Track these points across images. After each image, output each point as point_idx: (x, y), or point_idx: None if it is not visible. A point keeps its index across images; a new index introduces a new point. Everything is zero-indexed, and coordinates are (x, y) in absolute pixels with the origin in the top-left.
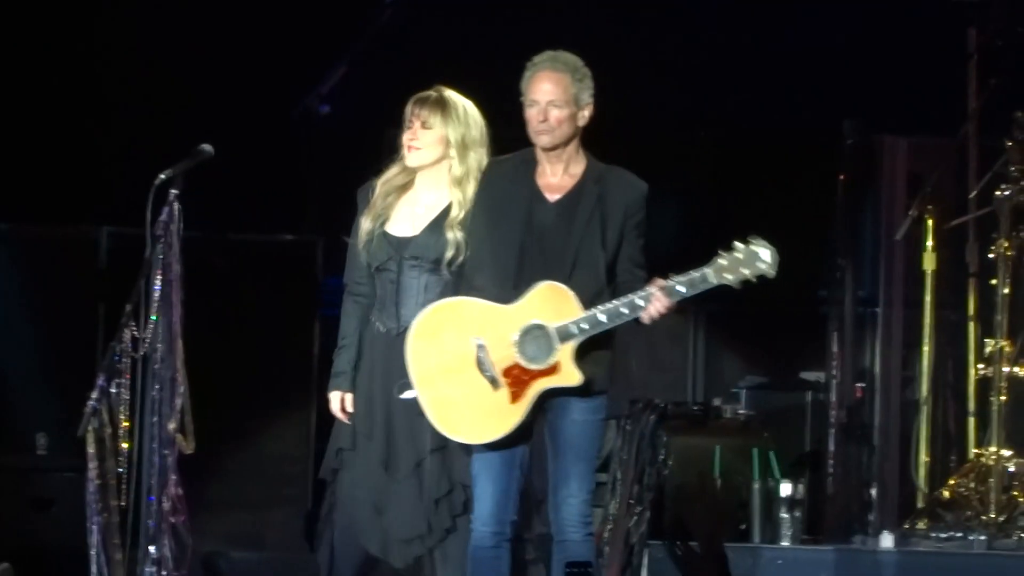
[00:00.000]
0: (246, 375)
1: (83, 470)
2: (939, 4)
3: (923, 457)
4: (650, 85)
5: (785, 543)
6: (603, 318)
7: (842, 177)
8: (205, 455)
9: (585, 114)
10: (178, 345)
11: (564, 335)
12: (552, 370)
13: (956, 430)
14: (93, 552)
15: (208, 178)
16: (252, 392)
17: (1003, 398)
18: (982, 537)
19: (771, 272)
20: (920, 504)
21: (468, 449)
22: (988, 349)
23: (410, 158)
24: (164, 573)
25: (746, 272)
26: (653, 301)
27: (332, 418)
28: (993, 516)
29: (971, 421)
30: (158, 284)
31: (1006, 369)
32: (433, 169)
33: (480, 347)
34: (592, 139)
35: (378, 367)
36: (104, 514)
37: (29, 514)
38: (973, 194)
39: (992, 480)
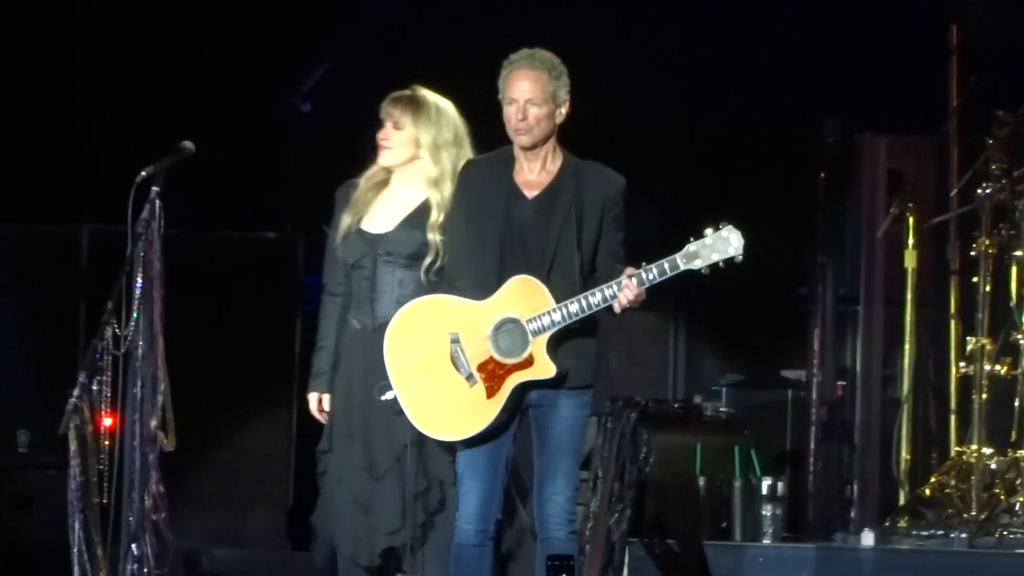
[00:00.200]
0: (227, 372)
1: (64, 468)
2: (920, 2)
3: (904, 455)
4: (631, 83)
5: (766, 541)
6: (574, 308)
7: (823, 175)
8: (186, 452)
9: (562, 111)
10: (159, 343)
11: (537, 328)
12: (527, 363)
13: (937, 428)
14: (75, 550)
15: (189, 176)
16: (233, 389)
17: (984, 396)
18: (963, 535)
19: (739, 256)
20: (901, 502)
21: (448, 446)
22: (969, 347)
23: (382, 157)
24: (145, 570)
25: (715, 257)
26: (624, 289)
27: (313, 417)
28: (974, 514)
29: (952, 419)
30: (139, 281)
31: (987, 367)
32: (407, 168)
33: (455, 343)
34: (572, 136)
35: (355, 365)
36: (86, 511)
37: (10, 512)
38: (954, 192)
39: (973, 478)
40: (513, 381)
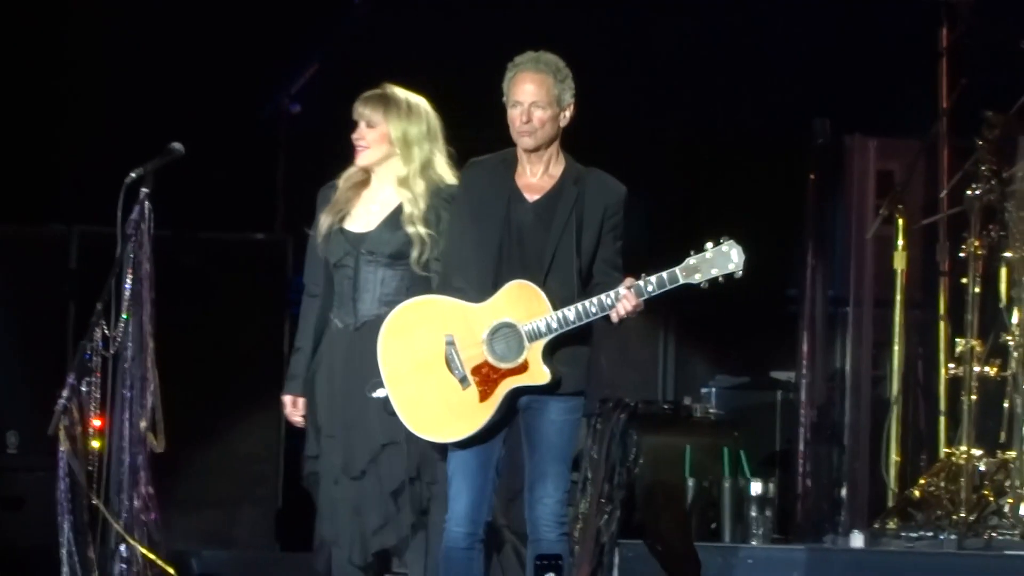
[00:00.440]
0: (216, 373)
1: (54, 469)
2: (910, 3)
3: (893, 456)
4: (620, 85)
5: (756, 542)
6: (572, 316)
7: (812, 176)
8: (175, 453)
9: (567, 115)
10: (149, 344)
11: (533, 334)
12: (521, 369)
13: (927, 429)
14: (64, 550)
15: (179, 177)
16: (222, 391)
17: (973, 397)
18: (952, 536)
19: (739, 272)
20: (890, 503)
21: (439, 447)
22: (958, 348)
23: (359, 158)
24: (135, 571)
25: (714, 272)
26: (622, 300)
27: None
28: (963, 515)
29: (942, 420)
30: (129, 283)
31: (976, 368)
32: (385, 166)
33: (450, 345)
34: (566, 141)
35: (337, 364)
36: (75, 512)
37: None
38: (943, 193)
39: (962, 479)
40: (507, 386)
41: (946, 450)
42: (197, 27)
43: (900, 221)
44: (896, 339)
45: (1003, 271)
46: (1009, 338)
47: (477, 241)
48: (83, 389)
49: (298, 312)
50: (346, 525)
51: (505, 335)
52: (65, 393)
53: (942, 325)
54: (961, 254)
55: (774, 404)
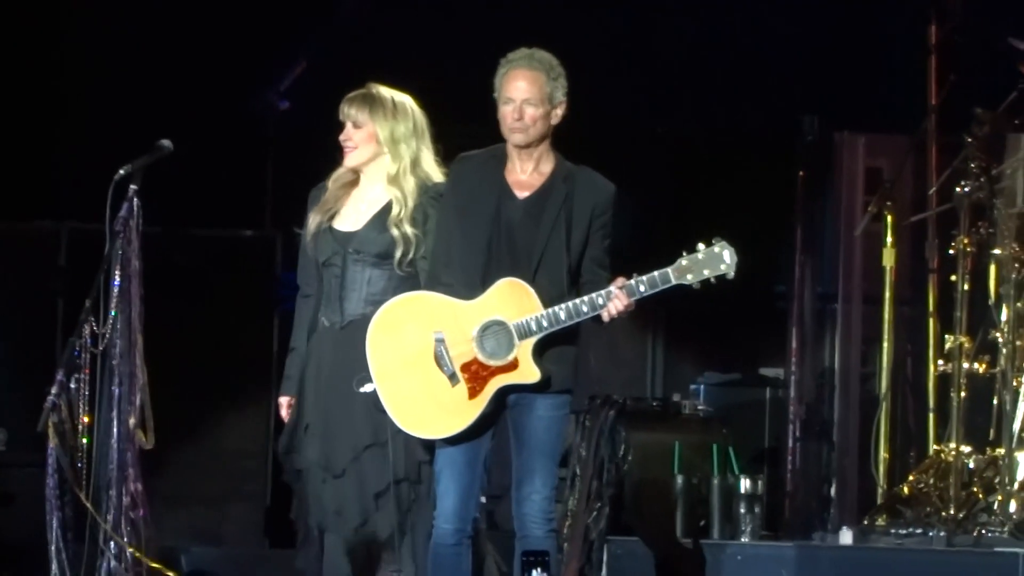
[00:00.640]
0: (205, 370)
1: (43, 465)
2: (899, 1)
3: (883, 453)
4: (610, 84)
5: (745, 539)
6: (563, 315)
7: (801, 173)
8: (164, 450)
9: (558, 112)
10: (138, 340)
11: (523, 332)
12: (511, 366)
13: (916, 426)
14: (53, 547)
15: (168, 174)
16: (211, 387)
17: (963, 394)
18: (941, 533)
19: (731, 273)
20: (879, 500)
21: (426, 444)
22: (948, 345)
23: (348, 159)
24: (123, 568)
25: (706, 273)
26: (613, 299)
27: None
28: (952, 512)
29: (931, 417)
30: (118, 279)
31: (965, 365)
32: (373, 165)
33: (439, 342)
34: (555, 138)
35: (324, 361)
36: (64, 509)
37: None
38: (932, 190)
39: (952, 476)
40: (496, 383)
41: (935, 447)
42: (187, 24)
43: (889, 218)
44: (885, 336)
45: (992, 268)
46: (998, 335)
47: (466, 237)
48: (72, 386)
49: (287, 309)
50: (331, 522)
51: (495, 333)
52: (54, 390)
53: (931, 322)
54: (950, 251)
55: (763, 401)
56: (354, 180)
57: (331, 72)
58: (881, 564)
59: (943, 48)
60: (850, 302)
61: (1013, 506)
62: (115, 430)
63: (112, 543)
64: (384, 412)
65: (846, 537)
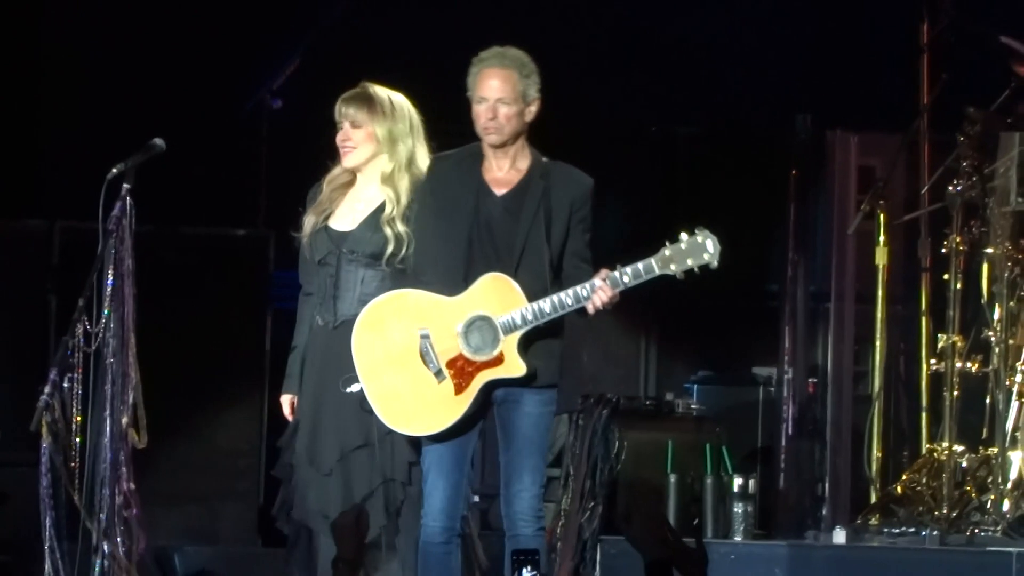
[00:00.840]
0: (198, 369)
1: (36, 464)
2: None
3: (875, 452)
4: (600, 80)
5: (737, 538)
6: (547, 308)
7: (794, 172)
8: (157, 449)
9: (532, 109)
10: (131, 339)
11: (508, 326)
12: (496, 361)
13: (908, 425)
14: (46, 546)
15: (161, 173)
16: (204, 386)
17: (955, 393)
18: (935, 532)
19: (714, 262)
20: (872, 499)
21: (414, 442)
22: (940, 344)
23: (346, 159)
24: (116, 567)
25: (690, 262)
26: (597, 291)
27: (284, 415)
28: (945, 511)
29: (923, 416)
30: (110, 278)
31: (958, 364)
32: (371, 165)
33: (425, 338)
34: (542, 134)
35: (316, 360)
36: (57, 508)
37: None
38: (925, 189)
39: (945, 475)
40: (482, 379)
41: (928, 446)
42: (179, 22)
43: (882, 217)
44: (878, 335)
45: (985, 267)
46: (991, 334)
47: (446, 235)
48: (65, 385)
49: (280, 308)
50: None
51: (480, 328)
52: (47, 389)
53: (924, 321)
54: (943, 250)
55: (756, 400)
56: (350, 181)
57: (324, 71)
58: (874, 563)
59: (935, 47)
60: (843, 301)
61: (1006, 505)
62: (108, 429)
63: (105, 542)
64: (372, 412)
65: (839, 536)
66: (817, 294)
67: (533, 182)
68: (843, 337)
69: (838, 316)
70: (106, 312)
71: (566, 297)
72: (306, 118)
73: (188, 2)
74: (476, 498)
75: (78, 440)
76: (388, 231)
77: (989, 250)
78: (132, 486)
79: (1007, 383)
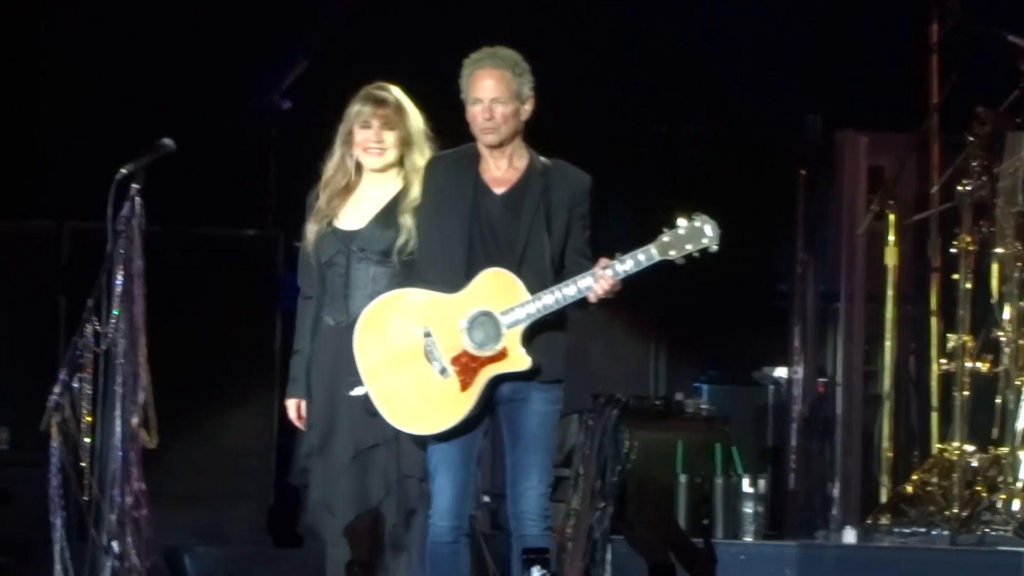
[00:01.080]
0: (208, 369)
1: (45, 464)
2: None
3: (886, 452)
4: (608, 81)
5: (748, 538)
6: (550, 301)
7: (803, 172)
8: (167, 449)
9: (527, 108)
10: (140, 339)
11: (511, 320)
12: (501, 356)
13: (919, 425)
14: (56, 546)
15: (170, 173)
16: (214, 386)
17: (965, 393)
18: (945, 532)
19: (713, 246)
20: (883, 499)
21: (420, 442)
22: (950, 344)
23: (373, 160)
24: (126, 567)
25: (689, 247)
26: (599, 281)
27: None
28: (956, 511)
29: (934, 416)
30: (120, 278)
31: (968, 364)
32: (389, 164)
33: (428, 336)
34: (549, 134)
35: (327, 361)
36: (67, 508)
37: None
38: (935, 189)
39: (955, 475)
40: (487, 374)
41: (938, 446)
42: (187, 22)
43: (891, 217)
44: (888, 335)
45: (994, 267)
46: (1000, 334)
47: (447, 235)
48: (75, 385)
49: (289, 308)
50: (328, 521)
51: (483, 323)
52: (57, 389)
53: (934, 321)
54: (952, 250)
55: (766, 400)
56: (347, 184)
57: (332, 72)
58: (884, 563)
59: (944, 46)
60: (852, 301)
61: (1017, 505)
62: (118, 429)
63: (115, 542)
64: (377, 415)
65: (849, 536)
66: (827, 294)
67: (532, 180)
68: (853, 337)
69: (848, 316)
70: (116, 312)
71: (568, 288)
72: (315, 119)
73: (197, 2)
74: (486, 498)
75: (88, 440)
76: (403, 220)
77: (998, 250)
78: (142, 486)
79: (1017, 383)
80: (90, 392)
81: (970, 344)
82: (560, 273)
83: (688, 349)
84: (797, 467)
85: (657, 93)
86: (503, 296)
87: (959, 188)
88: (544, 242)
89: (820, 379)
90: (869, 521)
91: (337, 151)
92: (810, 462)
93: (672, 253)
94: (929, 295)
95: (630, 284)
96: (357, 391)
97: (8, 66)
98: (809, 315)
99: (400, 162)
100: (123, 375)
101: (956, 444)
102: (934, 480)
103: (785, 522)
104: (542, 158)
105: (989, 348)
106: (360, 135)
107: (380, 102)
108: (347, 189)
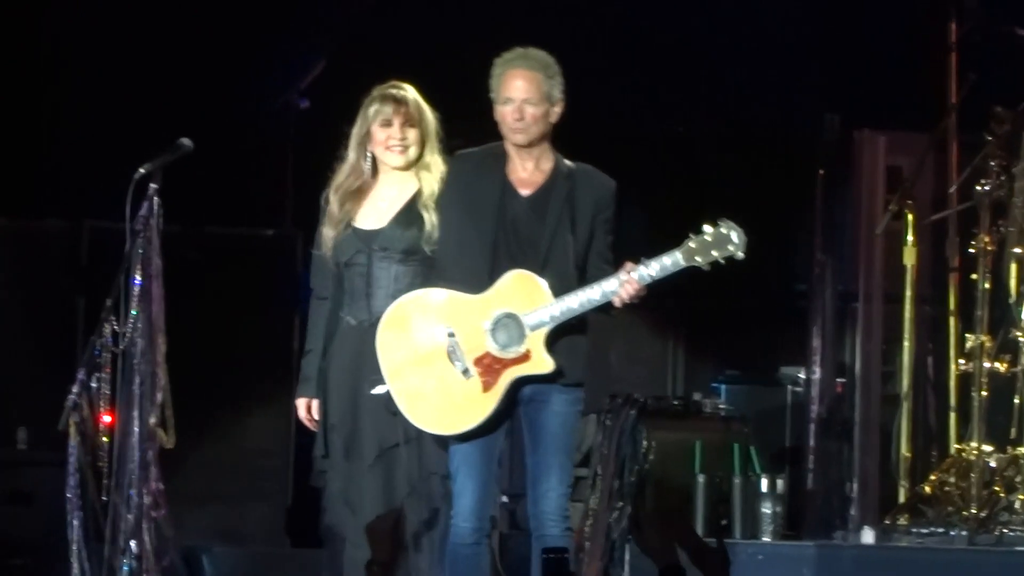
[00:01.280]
0: (226, 369)
1: (63, 464)
2: None
3: (904, 452)
4: (626, 81)
5: (766, 538)
6: (574, 304)
7: (821, 172)
8: (185, 449)
9: (556, 110)
10: (158, 339)
11: (535, 323)
12: (524, 358)
13: (937, 425)
14: (74, 546)
15: (188, 173)
16: (232, 386)
17: (984, 393)
18: (963, 532)
19: (739, 253)
20: (901, 499)
21: (443, 440)
22: (968, 344)
23: (396, 158)
24: (144, 567)
25: (715, 254)
26: (624, 286)
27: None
28: (974, 511)
29: (952, 416)
30: (138, 278)
31: (986, 364)
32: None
33: (451, 337)
34: (567, 135)
35: (349, 360)
36: (84, 508)
37: (9, 508)
38: (953, 188)
39: (973, 475)
40: (510, 376)
41: (957, 446)
42: (205, 21)
43: (909, 216)
44: (906, 335)
45: (1013, 267)
46: (1019, 334)
47: (472, 234)
48: (93, 385)
49: (307, 308)
50: (350, 521)
51: (507, 325)
52: (75, 389)
53: (952, 321)
54: (971, 250)
55: (784, 400)
56: (360, 187)
57: (350, 71)
58: (903, 564)
59: (963, 46)
60: (870, 301)
61: None
62: (136, 429)
63: (133, 543)
64: (398, 414)
65: (867, 536)
66: (845, 294)
67: (558, 183)
68: (871, 337)
69: (866, 316)
70: (134, 312)
71: (593, 292)
72: (333, 118)
73: (215, 2)
74: (504, 498)
75: (105, 440)
76: (426, 215)
77: (1017, 250)
78: (160, 486)
79: None
80: (108, 392)
81: (988, 344)
82: (583, 278)
83: (706, 349)
84: (815, 467)
85: (674, 94)
86: (527, 298)
87: (977, 188)
88: (568, 245)
89: (838, 379)
90: (887, 521)
91: (351, 154)
92: (828, 462)
93: (698, 259)
94: (947, 295)
95: (648, 285)
96: (378, 389)
97: (26, 65)
98: (827, 315)
99: (416, 160)
100: (141, 375)
101: (974, 444)
102: (952, 480)
103: (803, 522)
104: (567, 161)
105: (1007, 348)
106: (381, 134)
107: (400, 101)
108: (360, 191)
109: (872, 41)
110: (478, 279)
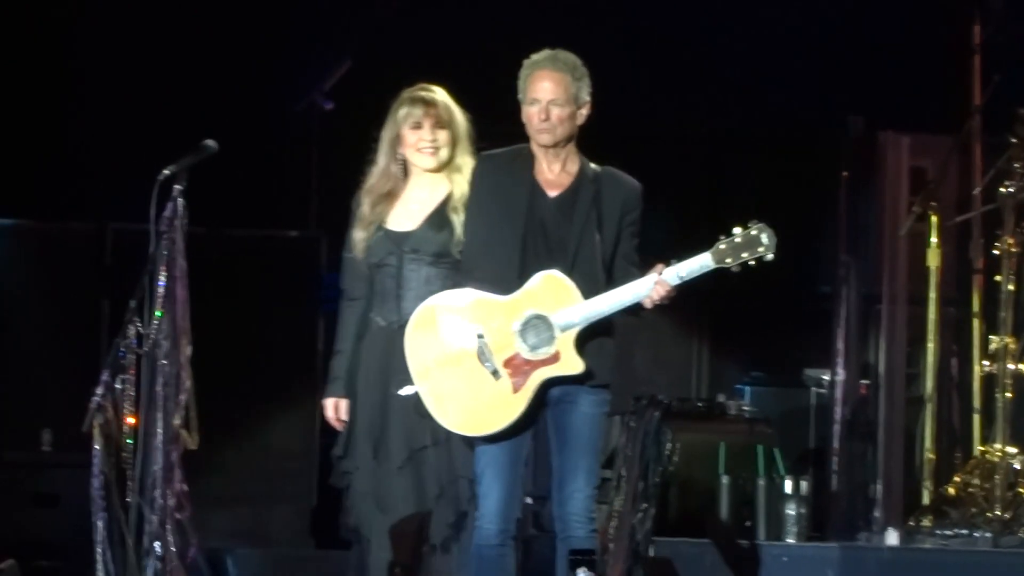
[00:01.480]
0: (250, 371)
1: (88, 466)
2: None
3: (928, 454)
4: (649, 83)
5: (790, 540)
6: (603, 305)
7: (845, 173)
8: (209, 451)
9: (583, 112)
10: (183, 341)
11: (565, 323)
12: (554, 359)
13: (961, 427)
14: (98, 548)
15: (212, 174)
16: (256, 388)
17: (1008, 395)
18: (987, 534)
19: (769, 255)
20: (925, 501)
21: (471, 442)
22: (992, 346)
23: (427, 160)
24: (168, 569)
25: (745, 256)
26: (655, 287)
27: None
28: (998, 513)
29: (976, 418)
30: (163, 280)
31: (1011, 366)
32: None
33: (480, 338)
34: (593, 137)
35: (377, 362)
36: (109, 510)
37: (34, 510)
38: (977, 190)
39: (997, 477)
40: (539, 377)
41: (980, 447)
42: (230, 23)
43: (933, 218)
44: (930, 336)
45: None
46: None
47: (500, 235)
48: (117, 386)
49: (331, 309)
50: (377, 522)
51: (536, 326)
52: (99, 390)
53: (976, 322)
54: (995, 251)
55: (808, 402)
56: (391, 190)
57: (375, 72)
58: (926, 565)
59: (987, 48)
60: (895, 303)
61: None
62: (160, 431)
63: (157, 544)
64: (427, 416)
65: (892, 538)
66: (869, 296)
67: (584, 185)
68: (895, 339)
69: (890, 318)
70: (158, 313)
71: (623, 294)
72: (357, 120)
73: (240, 3)
74: (528, 500)
75: (130, 442)
76: (456, 219)
77: None
78: (184, 488)
79: None
80: (133, 394)
81: (1012, 346)
82: (610, 279)
83: (730, 351)
84: (839, 469)
85: (699, 96)
86: (556, 299)
87: (1001, 190)
88: (596, 247)
89: (862, 381)
90: (911, 523)
91: (382, 158)
92: (852, 464)
93: (728, 261)
94: (971, 297)
95: (677, 286)
96: (407, 390)
97: (51, 68)
98: (851, 317)
99: (447, 162)
100: (165, 376)
101: (998, 446)
102: (976, 482)
103: (827, 524)
104: (592, 164)
105: None
106: (412, 136)
107: (430, 103)
108: (391, 194)
109: (896, 43)
110: (507, 280)
